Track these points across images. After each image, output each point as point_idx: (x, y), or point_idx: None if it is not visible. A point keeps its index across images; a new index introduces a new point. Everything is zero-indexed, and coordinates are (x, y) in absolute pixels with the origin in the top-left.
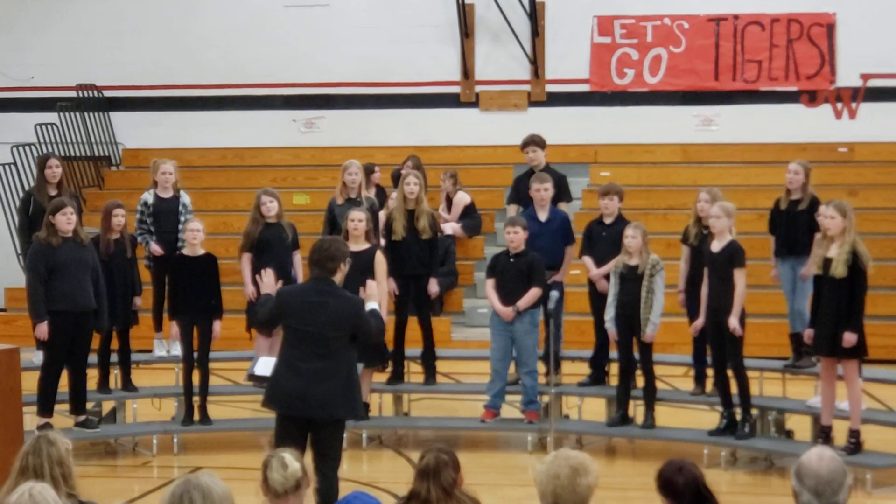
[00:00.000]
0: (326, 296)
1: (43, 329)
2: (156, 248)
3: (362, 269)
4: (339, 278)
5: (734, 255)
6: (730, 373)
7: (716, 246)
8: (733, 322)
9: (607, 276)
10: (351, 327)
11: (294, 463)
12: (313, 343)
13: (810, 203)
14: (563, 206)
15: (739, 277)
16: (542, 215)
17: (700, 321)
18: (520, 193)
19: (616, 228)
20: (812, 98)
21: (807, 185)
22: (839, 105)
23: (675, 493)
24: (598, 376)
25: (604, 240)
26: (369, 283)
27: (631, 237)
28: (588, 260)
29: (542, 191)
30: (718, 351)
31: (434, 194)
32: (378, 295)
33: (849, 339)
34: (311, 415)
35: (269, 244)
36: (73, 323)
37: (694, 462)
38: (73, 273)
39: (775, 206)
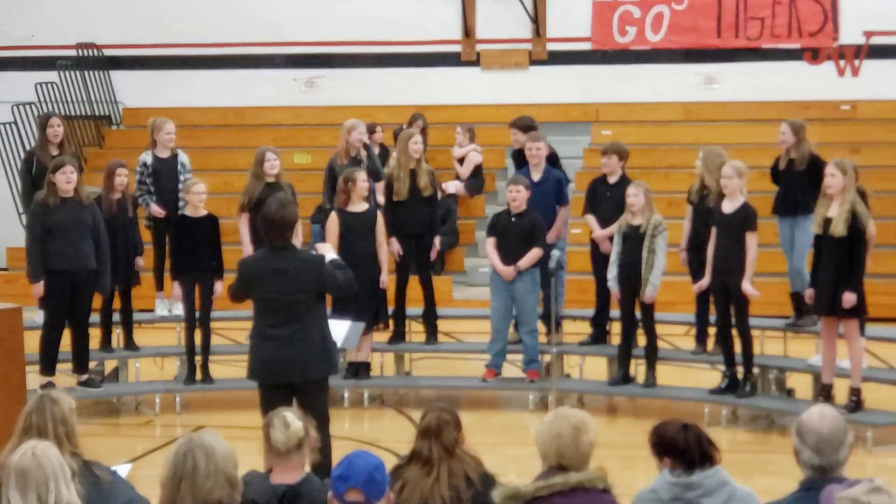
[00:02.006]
0: (285, 261)
1: (38, 288)
2: (157, 210)
3: (367, 229)
4: (298, 240)
5: (747, 219)
6: (734, 332)
7: (727, 206)
8: (747, 287)
9: (611, 238)
10: (316, 287)
11: (296, 422)
12: (281, 310)
13: (808, 162)
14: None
15: (752, 241)
16: (536, 175)
17: (705, 281)
18: (520, 161)
19: (620, 189)
20: (815, 55)
21: (801, 143)
22: (842, 62)
23: (681, 449)
24: (599, 335)
25: (608, 200)
26: (319, 245)
27: (633, 195)
28: (591, 219)
29: (535, 150)
30: (723, 311)
31: (434, 153)
32: (383, 254)
33: (848, 299)
34: (292, 379)
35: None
36: (71, 282)
37: (696, 425)
38: (70, 233)
39: (774, 165)
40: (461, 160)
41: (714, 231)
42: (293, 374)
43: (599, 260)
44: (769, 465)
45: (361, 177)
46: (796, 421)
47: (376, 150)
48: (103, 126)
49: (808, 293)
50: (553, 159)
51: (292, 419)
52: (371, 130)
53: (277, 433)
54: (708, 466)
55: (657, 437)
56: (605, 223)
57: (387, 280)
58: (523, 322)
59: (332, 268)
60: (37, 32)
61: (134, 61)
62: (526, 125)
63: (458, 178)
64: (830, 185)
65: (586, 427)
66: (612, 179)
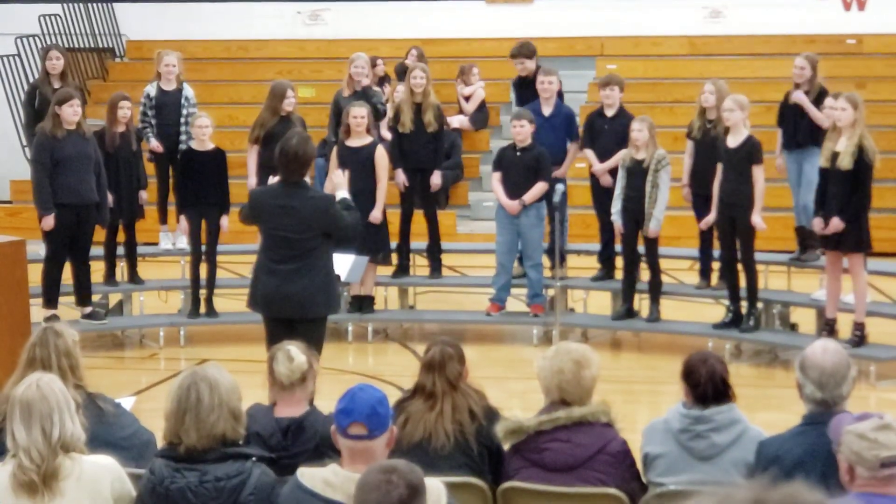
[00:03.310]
0: (295, 198)
1: (49, 220)
2: (155, 146)
3: (363, 163)
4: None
5: (752, 152)
6: (739, 266)
7: (732, 141)
8: (757, 220)
9: (611, 171)
10: (321, 227)
11: (300, 356)
12: (286, 245)
13: (818, 96)
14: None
15: (759, 174)
16: (547, 109)
17: (712, 216)
18: (521, 99)
19: (619, 122)
20: None
21: (814, 78)
22: None
23: (694, 382)
24: (609, 271)
25: (606, 133)
26: (335, 171)
27: (637, 130)
28: (590, 153)
29: (547, 83)
30: (729, 245)
31: (439, 87)
32: (381, 190)
33: (834, 224)
34: (290, 314)
35: (276, 136)
36: (76, 215)
37: (722, 359)
38: (77, 166)
39: (784, 99)
40: (468, 98)
41: (720, 166)
42: (291, 311)
43: (601, 194)
44: (772, 400)
45: (353, 111)
46: (800, 355)
47: (375, 85)
48: (107, 59)
49: (817, 221)
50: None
51: (296, 353)
52: (372, 64)
53: (281, 367)
54: (723, 403)
55: (684, 362)
56: (603, 157)
57: (379, 216)
58: (528, 256)
59: (340, 209)
60: None
61: None
62: (532, 51)
63: (461, 112)
64: (840, 118)
65: (588, 362)
66: (611, 112)
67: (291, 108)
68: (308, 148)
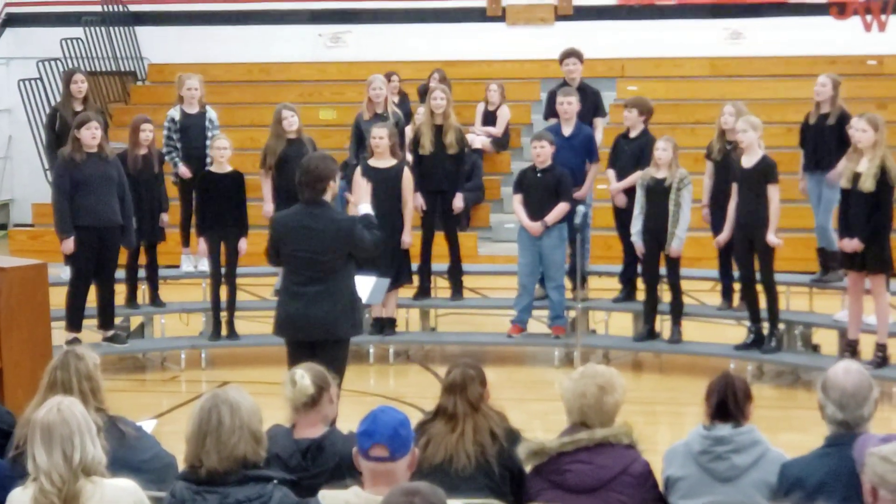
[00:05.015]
0: (317, 219)
1: (69, 244)
2: (184, 171)
3: (389, 185)
4: (329, 196)
5: (768, 171)
6: (759, 287)
7: (746, 161)
8: (772, 238)
9: (626, 191)
10: (344, 247)
11: (303, 381)
12: (309, 267)
13: (839, 117)
14: (597, 122)
15: (774, 193)
16: (567, 130)
17: (724, 235)
18: (553, 107)
19: (638, 143)
20: (841, 10)
21: (836, 98)
22: (868, 17)
23: (707, 397)
24: (630, 292)
25: (625, 153)
26: (355, 186)
27: (662, 149)
28: (611, 173)
29: (566, 104)
30: (747, 266)
31: (461, 109)
32: (408, 213)
33: (849, 245)
34: (315, 337)
35: (289, 160)
36: (99, 238)
37: (744, 380)
38: (97, 188)
39: (805, 121)
40: (489, 117)
41: (735, 187)
42: (316, 333)
43: (622, 216)
44: (794, 421)
45: (373, 132)
46: (822, 376)
47: (396, 99)
48: (129, 82)
49: (845, 243)
50: (597, 102)
51: (301, 377)
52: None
53: (286, 390)
54: (742, 423)
55: (708, 384)
56: (620, 177)
57: (409, 240)
58: (550, 277)
59: (362, 229)
60: None
61: (159, 17)
62: (583, 55)
63: (487, 134)
64: (861, 139)
65: (612, 388)
66: (633, 134)
67: (292, 129)
68: (328, 163)
